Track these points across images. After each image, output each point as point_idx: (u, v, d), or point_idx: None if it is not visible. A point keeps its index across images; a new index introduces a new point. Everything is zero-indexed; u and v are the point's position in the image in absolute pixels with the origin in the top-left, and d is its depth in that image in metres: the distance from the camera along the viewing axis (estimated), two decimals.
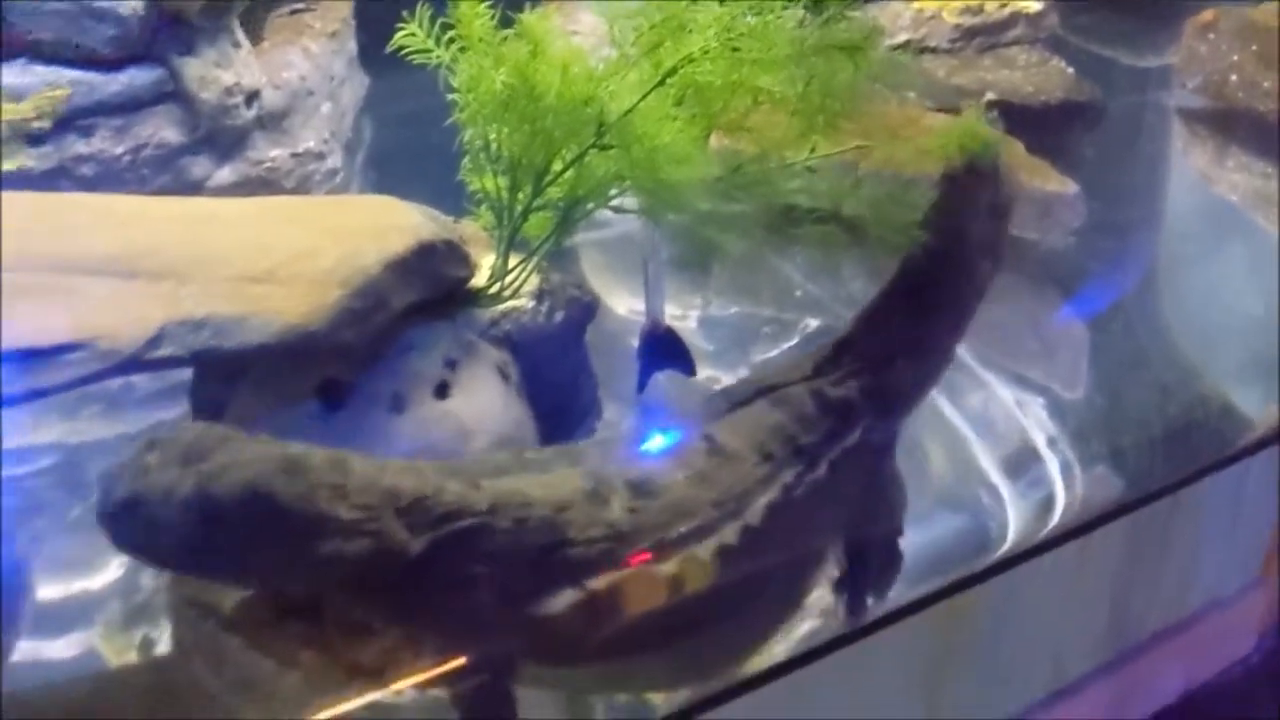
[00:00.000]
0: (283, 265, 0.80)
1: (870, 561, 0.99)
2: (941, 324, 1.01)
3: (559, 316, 1.00)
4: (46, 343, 0.71)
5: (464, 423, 0.87)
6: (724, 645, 0.92)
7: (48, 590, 0.93)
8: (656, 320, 1.13)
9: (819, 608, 0.97)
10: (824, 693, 0.97)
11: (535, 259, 0.99)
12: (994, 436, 1.25)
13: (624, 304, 1.32)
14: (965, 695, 1.09)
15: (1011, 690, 1.14)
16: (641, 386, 1.13)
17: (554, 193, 0.99)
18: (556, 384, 1.00)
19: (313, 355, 0.81)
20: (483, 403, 0.89)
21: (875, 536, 0.99)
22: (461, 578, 0.75)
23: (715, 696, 0.89)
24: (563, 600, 0.77)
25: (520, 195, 0.97)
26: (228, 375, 0.88)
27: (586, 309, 1.03)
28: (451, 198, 1.00)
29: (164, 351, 0.75)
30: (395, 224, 0.88)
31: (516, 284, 0.98)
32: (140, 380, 1.21)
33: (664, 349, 1.12)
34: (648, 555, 0.83)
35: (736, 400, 0.91)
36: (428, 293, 0.88)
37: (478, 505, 0.76)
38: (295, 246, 0.82)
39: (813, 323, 1.34)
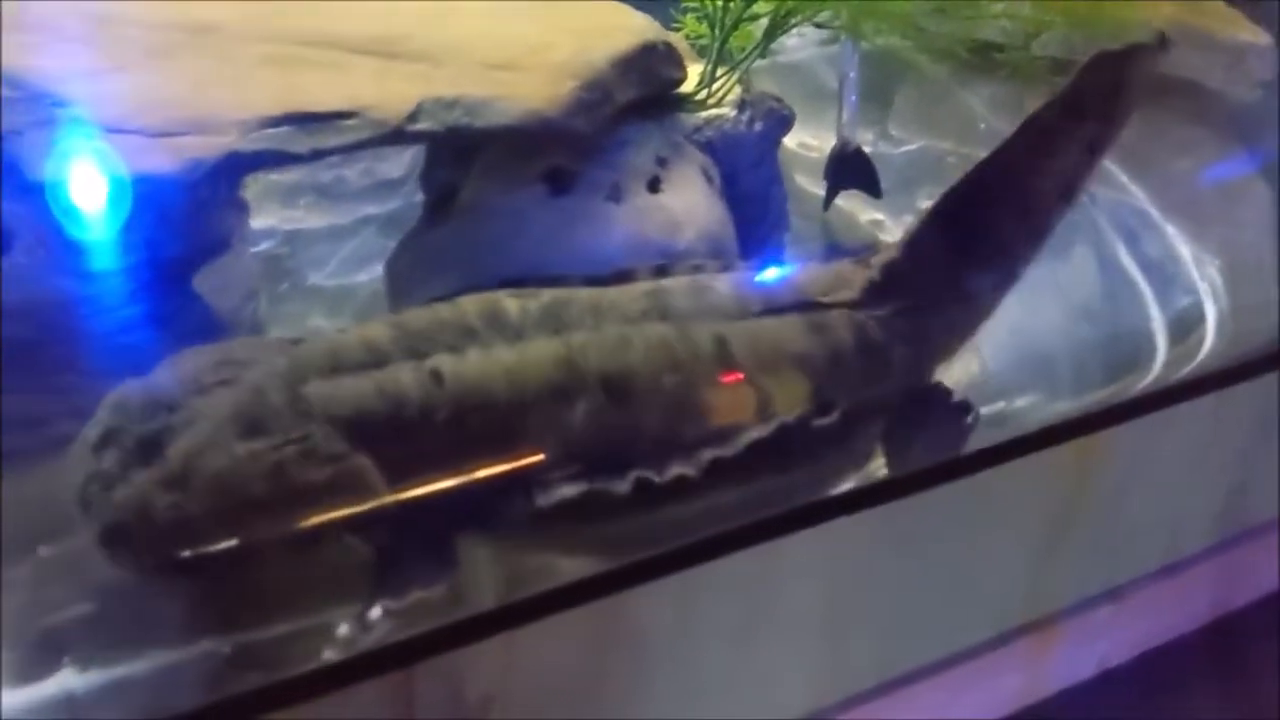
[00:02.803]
0: (524, 55, 0.87)
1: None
2: (991, 258, 0.90)
3: (758, 127, 1.05)
4: (326, 108, 0.79)
5: (674, 215, 0.93)
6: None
7: None
8: (847, 140, 1.17)
9: None
10: (937, 527, 0.97)
11: (741, 68, 1.04)
12: (1163, 285, 1.26)
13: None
14: (1080, 557, 1.09)
15: (1125, 559, 1.14)
16: (827, 205, 1.18)
17: (763, 6, 1.03)
18: (750, 193, 1.05)
19: (545, 141, 0.88)
20: (690, 200, 0.95)
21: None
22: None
23: (808, 511, 0.87)
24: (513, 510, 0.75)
25: (733, 5, 1.01)
26: (458, 160, 0.95)
27: (783, 121, 1.07)
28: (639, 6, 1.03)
29: (422, 125, 0.82)
30: (621, 24, 0.93)
31: (722, 92, 1.03)
32: (350, 174, 1.31)
33: (853, 169, 1.16)
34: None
35: (773, 305, 0.82)
36: (645, 91, 0.94)
37: (439, 411, 0.72)
38: (534, 39, 0.89)
39: None
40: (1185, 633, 1.21)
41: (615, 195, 0.92)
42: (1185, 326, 1.18)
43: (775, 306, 0.82)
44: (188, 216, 0.80)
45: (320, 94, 0.80)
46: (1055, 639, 1.11)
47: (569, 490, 0.74)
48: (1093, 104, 0.89)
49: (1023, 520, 1.04)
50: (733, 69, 1.04)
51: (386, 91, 0.82)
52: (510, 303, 0.77)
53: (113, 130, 0.75)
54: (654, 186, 0.94)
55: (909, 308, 0.85)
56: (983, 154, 1.25)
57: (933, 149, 1.38)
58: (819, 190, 1.24)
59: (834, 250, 1.20)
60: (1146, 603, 1.16)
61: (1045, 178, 0.89)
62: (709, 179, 0.99)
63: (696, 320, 0.79)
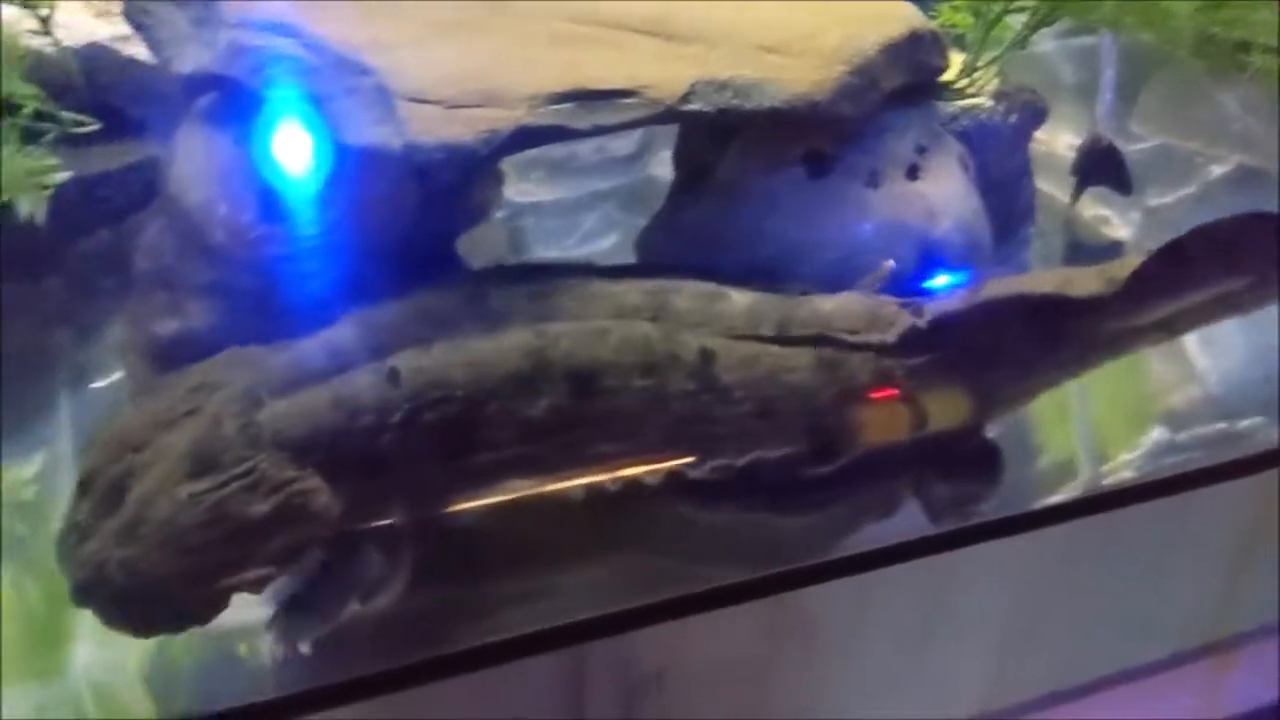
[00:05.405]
0: (795, 40, 0.87)
1: None
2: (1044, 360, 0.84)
3: (1013, 119, 1.04)
4: (607, 86, 0.81)
5: (932, 204, 0.92)
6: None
7: None
8: (1098, 135, 1.14)
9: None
10: (1124, 544, 0.95)
11: (1001, 59, 1.02)
12: None
13: None
14: (1264, 582, 1.06)
15: None
16: (1075, 199, 1.16)
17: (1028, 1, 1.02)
18: (1001, 184, 1.04)
19: (807, 124, 0.88)
20: (947, 189, 0.94)
21: None
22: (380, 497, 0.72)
23: (989, 527, 0.86)
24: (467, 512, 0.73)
25: None
26: (714, 139, 0.97)
27: (1037, 115, 1.06)
28: None
29: (694, 106, 0.83)
30: (890, 12, 0.93)
31: (982, 82, 1.02)
32: (583, 151, 1.34)
33: (1104, 165, 1.13)
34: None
35: (783, 335, 0.77)
36: (911, 79, 0.94)
37: (394, 415, 0.70)
38: (805, 25, 0.89)
39: (1239, 161, 1.30)
40: None
41: (873, 181, 0.92)
42: None
43: (784, 335, 0.77)
44: (472, 184, 0.83)
45: (602, 72, 0.82)
46: (1234, 663, 1.08)
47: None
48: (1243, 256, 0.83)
49: (1210, 542, 1.01)
50: (993, 60, 1.02)
51: (663, 72, 0.83)
52: (493, 297, 0.76)
53: (412, 100, 0.79)
54: (913, 174, 0.94)
55: (954, 361, 0.79)
56: (1233, 155, 1.19)
57: (1174, 148, 1.34)
58: (1047, 185, 1.21)
59: (1074, 246, 1.18)
60: None
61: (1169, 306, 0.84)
62: (965, 169, 0.98)
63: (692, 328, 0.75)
